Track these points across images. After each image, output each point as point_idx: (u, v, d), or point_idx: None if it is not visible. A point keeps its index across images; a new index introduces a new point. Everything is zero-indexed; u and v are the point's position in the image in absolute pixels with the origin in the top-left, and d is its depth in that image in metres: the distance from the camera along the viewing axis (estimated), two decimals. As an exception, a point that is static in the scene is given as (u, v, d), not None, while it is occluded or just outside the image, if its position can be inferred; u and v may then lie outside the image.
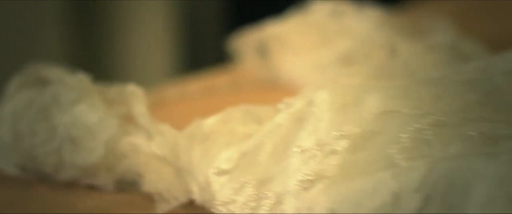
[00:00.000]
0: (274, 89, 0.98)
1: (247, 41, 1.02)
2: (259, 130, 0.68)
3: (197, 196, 0.68)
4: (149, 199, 0.71)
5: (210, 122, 0.70)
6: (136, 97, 0.74)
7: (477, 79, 0.71)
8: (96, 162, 0.73)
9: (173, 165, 0.70)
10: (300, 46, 1.00)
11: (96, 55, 1.81)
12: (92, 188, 0.75)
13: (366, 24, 0.96)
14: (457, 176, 0.56)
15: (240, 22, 1.11)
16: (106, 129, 0.72)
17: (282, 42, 1.01)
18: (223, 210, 0.65)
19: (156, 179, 0.71)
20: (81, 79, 0.76)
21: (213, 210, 0.66)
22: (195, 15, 1.88)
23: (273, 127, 0.67)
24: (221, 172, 0.66)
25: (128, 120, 0.74)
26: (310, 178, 0.61)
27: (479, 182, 0.54)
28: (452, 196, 0.55)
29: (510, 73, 0.72)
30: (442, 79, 0.70)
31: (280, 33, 1.02)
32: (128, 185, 0.74)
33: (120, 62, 1.82)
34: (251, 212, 0.62)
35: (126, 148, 0.72)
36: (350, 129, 0.63)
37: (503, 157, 0.56)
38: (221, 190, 0.65)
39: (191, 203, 0.69)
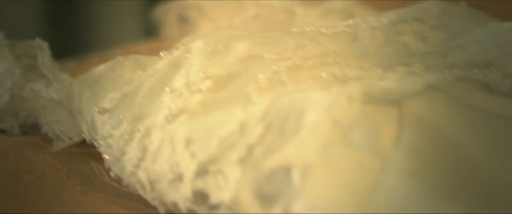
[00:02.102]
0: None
1: (170, 11, 1.07)
2: (141, 74, 0.72)
3: (86, 135, 0.73)
4: (48, 139, 0.76)
5: (100, 68, 0.74)
6: (41, 50, 0.79)
7: (344, 32, 0.76)
8: (2, 107, 0.78)
9: (67, 108, 0.74)
10: (218, 16, 1.05)
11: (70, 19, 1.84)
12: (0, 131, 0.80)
13: (274, -7, 1.01)
14: (294, 106, 0.60)
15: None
16: (11, 77, 0.77)
17: (202, 12, 1.06)
18: (102, 143, 0.69)
19: (54, 121, 0.75)
20: (-7, 35, 0.81)
21: (96, 145, 0.71)
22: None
23: (152, 72, 0.71)
24: (103, 111, 0.70)
25: (34, 70, 0.79)
26: (174, 112, 0.65)
27: (311, 109, 0.59)
28: (288, 123, 0.60)
29: (374, 28, 0.76)
30: (311, 32, 0.75)
31: (201, 4, 1.06)
32: (31, 128, 0.79)
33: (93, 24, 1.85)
34: (124, 144, 0.67)
35: (28, 94, 0.77)
36: (215, 71, 0.68)
37: (334, 89, 0.60)
38: (102, 126, 0.70)
39: (83, 142, 0.74)
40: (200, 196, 0.61)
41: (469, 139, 0.58)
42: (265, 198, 0.57)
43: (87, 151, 0.74)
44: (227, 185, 0.60)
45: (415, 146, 0.56)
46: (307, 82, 0.65)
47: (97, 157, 0.72)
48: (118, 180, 0.68)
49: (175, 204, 0.63)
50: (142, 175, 0.65)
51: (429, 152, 0.56)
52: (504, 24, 0.79)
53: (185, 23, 1.06)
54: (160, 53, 0.73)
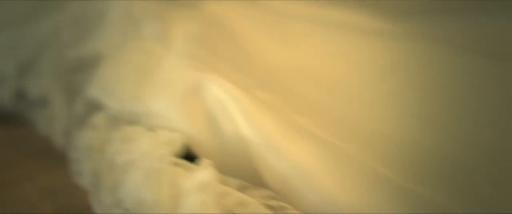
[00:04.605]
0: None
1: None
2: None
3: None
4: None
5: None
6: None
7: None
8: None
9: None
10: None
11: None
12: None
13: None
14: (99, 6, 0.65)
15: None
16: None
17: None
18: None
19: None
20: None
21: None
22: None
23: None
24: None
25: None
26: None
27: (112, 8, 0.64)
28: (94, 22, 0.65)
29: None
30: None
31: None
32: None
33: None
34: None
35: None
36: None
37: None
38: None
39: None
40: (20, 94, 0.66)
41: (252, 30, 0.63)
42: (72, 89, 0.62)
43: None
44: (41, 82, 0.64)
45: (200, 36, 0.61)
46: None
47: None
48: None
49: (1, 102, 0.68)
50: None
51: (211, 41, 0.61)
52: None
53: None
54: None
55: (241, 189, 0.51)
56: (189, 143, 0.54)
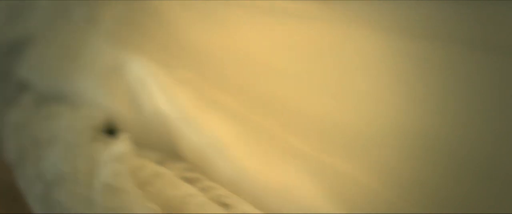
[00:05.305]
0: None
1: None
2: None
3: None
4: None
5: None
6: None
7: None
8: None
9: None
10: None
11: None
12: None
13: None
14: None
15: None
16: None
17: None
18: None
19: None
20: None
21: None
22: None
23: None
24: None
25: None
26: None
27: None
28: (23, 9, 0.66)
29: None
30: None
31: None
32: None
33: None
34: None
35: None
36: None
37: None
38: None
39: None
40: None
41: (183, 15, 0.65)
42: (4, 71, 0.64)
43: None
44: None
45: (127, 18, 0.63)
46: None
47: None
48: None
49: None
50: None
51: (138, 22, 0.63)
52: None
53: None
54: None
55: (160, 162, 0.53)
56: (111, 119, 0.56)
